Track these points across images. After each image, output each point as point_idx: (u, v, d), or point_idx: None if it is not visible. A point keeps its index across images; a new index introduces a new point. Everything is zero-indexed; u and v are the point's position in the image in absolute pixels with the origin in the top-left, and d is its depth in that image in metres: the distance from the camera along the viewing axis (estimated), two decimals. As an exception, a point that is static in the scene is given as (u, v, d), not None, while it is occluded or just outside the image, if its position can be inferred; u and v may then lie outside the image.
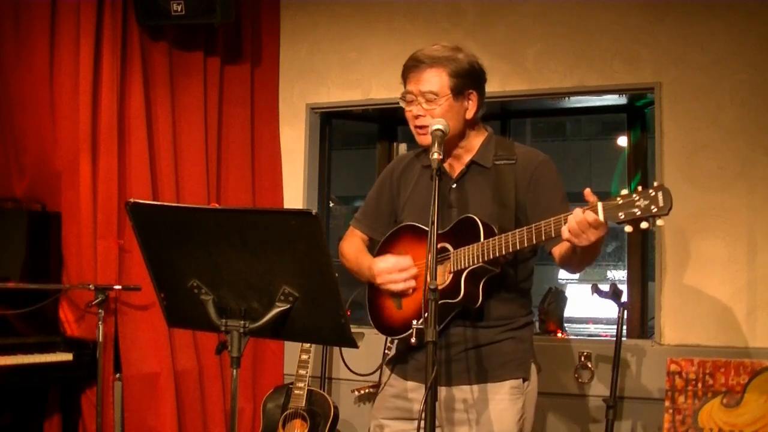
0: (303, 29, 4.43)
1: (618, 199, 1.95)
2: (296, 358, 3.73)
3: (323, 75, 4.38)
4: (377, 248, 2.52)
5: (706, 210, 3.59)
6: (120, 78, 3.80)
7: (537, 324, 4.03)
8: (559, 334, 4.02)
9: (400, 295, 2.36)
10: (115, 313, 3.70)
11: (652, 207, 1.90)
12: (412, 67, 2.33)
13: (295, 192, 4.41)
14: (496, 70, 3.84)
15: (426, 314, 1.97)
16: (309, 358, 3.73)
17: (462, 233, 2.25)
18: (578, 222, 1.98)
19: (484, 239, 2.19)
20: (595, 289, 3.39)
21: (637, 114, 4.14)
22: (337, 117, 4.66)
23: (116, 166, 3.76)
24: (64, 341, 3.61)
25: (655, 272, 3.74)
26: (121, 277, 3.74)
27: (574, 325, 6.75)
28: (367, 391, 3.98)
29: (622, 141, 4.47)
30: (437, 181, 2.08)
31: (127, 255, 3.78)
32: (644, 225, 1.93)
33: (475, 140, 2.41)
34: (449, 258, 2.27)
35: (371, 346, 3.50)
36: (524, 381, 2.33)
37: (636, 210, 1.92)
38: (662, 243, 3.67)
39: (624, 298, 3.45)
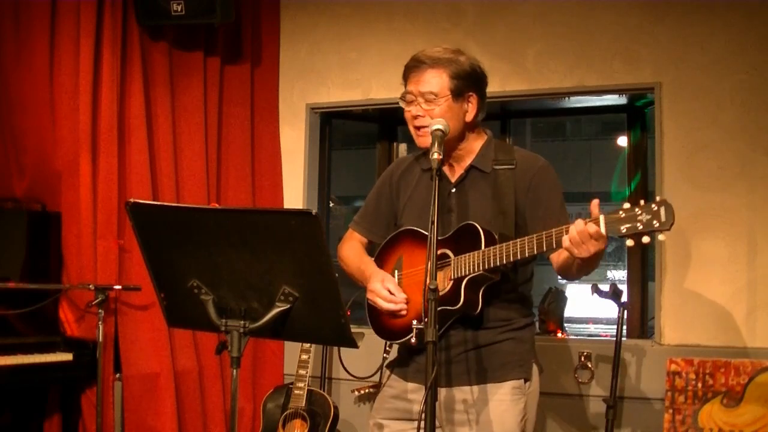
0: (303, 29, 4.43)
1: (620, 212, 1.95)
2: (296, 358, 3.73)
3: (323, 75, 4.38)
4: (376, 253, 2.52)
5: (706, 210, 3.59)
6: (120, 78, 3.80)
7: (537, 324, 4.03)
8: (559, 334, 4.02)
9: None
10: (115, 313, 3.70)
11: (655, 222, 1.90)
12: (413, 67, 2.33)
13: (295, 192, 4.41)
14: (496, 70, 3.84)
15: (426, 318, 1.98)
16: (309, 358, 3.73)
17: (463, 240, 2.25)
18: (579, 232, 1.98)
19: (485, 247, 2.19)
20: (595, 289, 3.39)
21: (637, 114, 4.14)
22: (337, 117, 4.66)
23: (116, 166, 3.77)
24: (64, 341, 3.61)
25: (655, 272, 3.74)
26: (121, 277, 3.74)
27: (574, 325, 6.76)
28: (367, 391, 3.98)
29: (622, 141, 4.47)
30: (437, 181, 2.08)
31: (127, 255, 3.78)
32: (646, 239, 1.94)
33: (475, 143, 2.40)
34: (449, 265, 2.27)
35: (371, 347, 3.51)
36: (526, 381, 2.32)
37: (638, 224, 1.92)
38: (662, 243, 3.66)
39: (624, 298, 3.44)
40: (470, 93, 2.33)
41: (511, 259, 2.13)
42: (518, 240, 2.13)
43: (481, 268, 2.19)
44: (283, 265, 1.91)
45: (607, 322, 7.06)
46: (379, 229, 2.57)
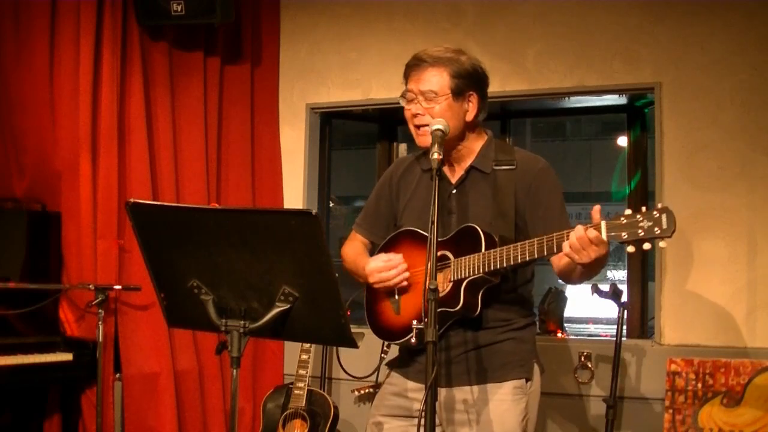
0: (303, 29, 4.43)
1: (622, 218, 1.95)
2: (296, 358, 3.73)
3: (323, 75, 4.38)
4: (376, 253, 2.52)
5: (706, 210, 3.59)
6: (120, 78, 3.80)
7: (537, 324, 4.03)
8: (559, 334, 4.02)
9: (397, 293, 2.36)
10: (115, 313, 3.70)
11: (656, 229, 1.90)
12: (414, 66, 2.33)
13: (295, 192, 4.41)
14: (496, 70, 3.84)
15: (426, 318, 1.97)
16: (309, 358, 3.72)
17: (463, 242, 2.25)
18: (579, 238, 1.98)
19: (486, 250, 2.19)
20: (595, 289, 3.39)
21: (637, 114, 4.14)
22: (337, 117, 4.66)
23: (116, 166, 3.76)
24: (64, 341, 3.61)
25: (655, 272, 3.74)
26: (121, 277, 3.74)
27: (574, 325, 6.77)
28: (367, 391, 3.98)
29: (622, 141, 4.47)
30: (437, 181, 2.08)
31: (127, 255, 3.78)
32: (647, 246, 1.93)
33: (475, 143, 2.40)
34: (449, 266, 2.26)
35: (371, 347, 3.51)
36: (527, 381, 2.32)
37: (639, 231, 1.92)
38: (662, 243, 3.66)
39: (624, 298, 3.44)
40: (471, 92, 2.33)
41: (512, 263, 2.13)
42: (518, 243, 2.13)
43: (481, 270, 2.19)
44: (283, 265, 1.91)
45: (607, 322, 7.06)
46: (379, 230, 2.57)
